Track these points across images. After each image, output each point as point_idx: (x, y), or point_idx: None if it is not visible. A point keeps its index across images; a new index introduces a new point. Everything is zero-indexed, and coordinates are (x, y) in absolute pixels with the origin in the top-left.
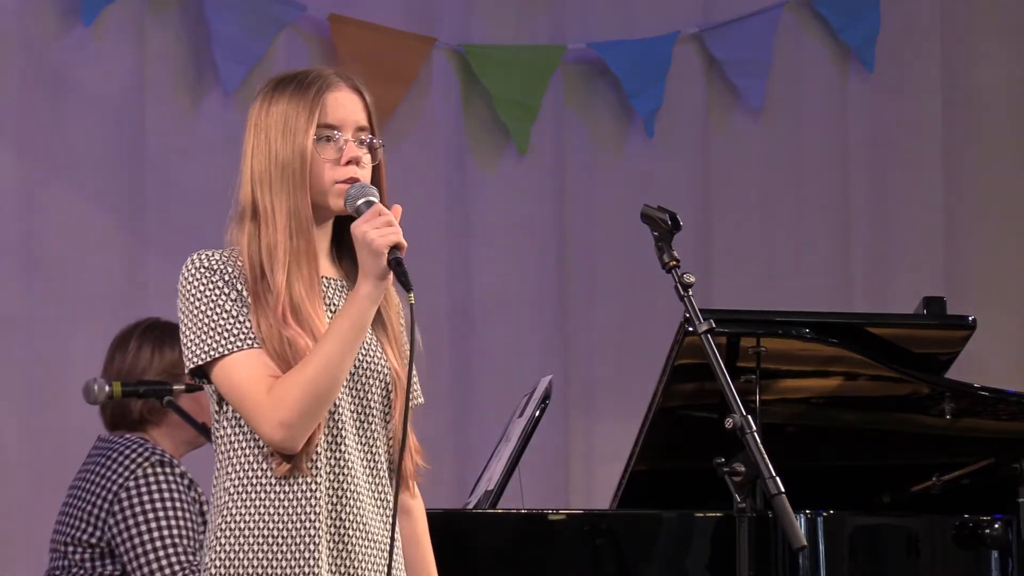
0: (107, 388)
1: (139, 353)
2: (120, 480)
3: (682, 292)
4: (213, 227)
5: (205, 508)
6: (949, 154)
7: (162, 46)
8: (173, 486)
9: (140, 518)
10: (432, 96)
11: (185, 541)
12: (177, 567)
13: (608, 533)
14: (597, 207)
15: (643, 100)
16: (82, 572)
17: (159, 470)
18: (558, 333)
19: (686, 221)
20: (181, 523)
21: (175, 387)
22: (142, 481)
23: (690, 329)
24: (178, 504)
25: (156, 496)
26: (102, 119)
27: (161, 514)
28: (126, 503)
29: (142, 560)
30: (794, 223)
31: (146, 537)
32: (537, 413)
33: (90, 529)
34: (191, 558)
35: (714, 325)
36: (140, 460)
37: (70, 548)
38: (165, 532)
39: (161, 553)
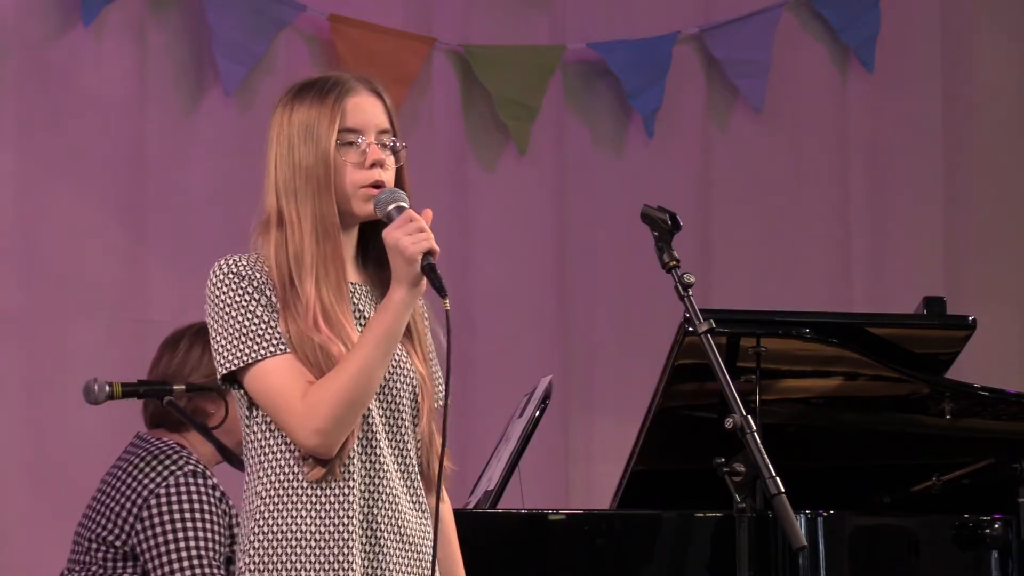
0: (107, 388)
1: (189, 353)
2: (152, 486)
3: (682, 292)
4: (213, 226)
5: (235, 523)
6: (949, 154)
7: (162, 46)
8: (204, 497)
9: (168, 526)
10: (432, 96)
11: (210, 553)
12: None
13: (608, 533)
14: (597, 207)
15: (643, 100)
16: (101, 572)
17: (191, 480)
18: (558, 333)
19: (686, 221)
20: (208, 535)
21: (175, 387)
22: (173, 490)
23: (690, 329)
24: (207, 516)
25: (186, 506)
26: (102, 119)
27: (188, 524)
28: (155, 509)
29: (165, 569)
30: (794, 223)
31: (172, 546)
32: (537, 413)
33: (116, 531)
34: (215, 571)
35: (714, 325)
36: (174, 468)
37: (93, 545)
38: (192, 542)
39: (185, 564)
